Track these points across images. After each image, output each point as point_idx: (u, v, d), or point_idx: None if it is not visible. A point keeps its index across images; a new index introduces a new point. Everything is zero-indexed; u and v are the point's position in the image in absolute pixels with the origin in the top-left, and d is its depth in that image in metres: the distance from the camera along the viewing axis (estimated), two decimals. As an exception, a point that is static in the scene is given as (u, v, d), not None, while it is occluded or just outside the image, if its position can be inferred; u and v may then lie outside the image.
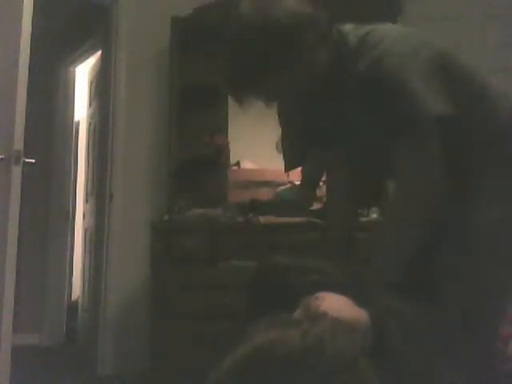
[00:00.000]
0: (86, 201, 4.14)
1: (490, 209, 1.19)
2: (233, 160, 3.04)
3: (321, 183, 2.67)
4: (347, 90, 1.23)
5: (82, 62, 4.20)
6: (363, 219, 2.38)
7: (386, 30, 1.26)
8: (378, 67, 1.15)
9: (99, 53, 3.79)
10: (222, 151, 2.96)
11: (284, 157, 1.64)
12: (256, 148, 3.06)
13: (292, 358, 0.71)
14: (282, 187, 2.84)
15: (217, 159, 2.96)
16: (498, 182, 1.21)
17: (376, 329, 0.91)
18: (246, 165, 3.08)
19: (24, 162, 2.19)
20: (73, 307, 4.19)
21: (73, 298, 4.47)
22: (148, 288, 2.69)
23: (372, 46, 1.17)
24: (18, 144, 2.17)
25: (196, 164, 2.94)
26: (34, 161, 2.28)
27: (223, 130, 2.98)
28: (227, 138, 2.99)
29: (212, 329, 2.37)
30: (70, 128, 4.18)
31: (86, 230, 4.09)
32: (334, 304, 0.93)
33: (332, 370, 0.70)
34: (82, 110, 4.38)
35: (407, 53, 1.17)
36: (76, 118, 4.34)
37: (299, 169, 2.66)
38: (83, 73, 4.31)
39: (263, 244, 2.43)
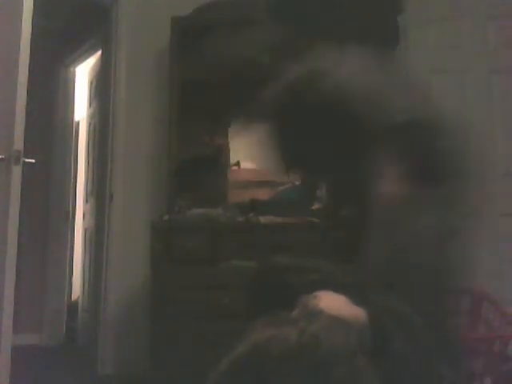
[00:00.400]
0: (86, 201, 4.14)
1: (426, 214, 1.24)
2: (233, 160, 3.04)
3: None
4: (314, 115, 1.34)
5: (81, 62, 4.20)
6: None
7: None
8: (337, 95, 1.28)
9: (99, 53, 3.79)
10: (222, 151, 2.96)
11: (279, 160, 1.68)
12: (256, 148, 3.06)
13: (288, 356, 0.71)
14: (282, 187, 2.84)
15: (217, 159, 2.96)
16: (435, 188, 1.27)
17: (375, 328, 0.91)
18: (246, 165, 3.09)
19: (24, 161, 2.20)
20: (73, 307, 4.19)
21: (73, 298, 4.47)
22: (148, 288, 2.68)
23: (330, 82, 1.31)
24: (18, 144, 2.17)
25: (196, 164, 2.94)
26: (33, 161, 2.28)
27: (223, 129, 2.98)
28: (227, 138, 2.99)
29: (212, 329, 2.37)
30: (70, 128, 4.18)
31: (85, 230, 4.09)
32: (332, 303, 0.93)
33: (328, 366, 0.70)
34: (82, 110, 4.38)
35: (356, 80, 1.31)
36: (76, 118, 4.34)
37: (299, 169, 2.68)
38: (83, 73, 4.31)
39: (263, 244, 2.43)
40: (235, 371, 0.73)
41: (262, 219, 2.52)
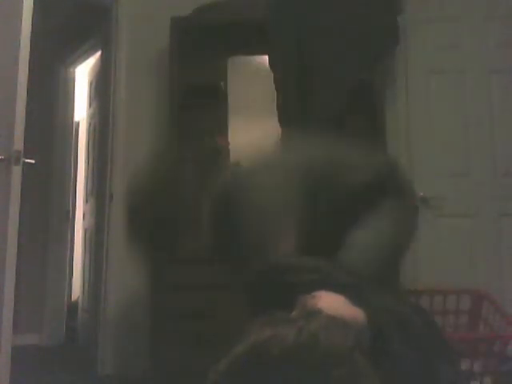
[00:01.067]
0: (86, 201, 4.14)
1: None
2: (233, 160, 3.04)
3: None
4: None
5: (81, 62, 4.20)
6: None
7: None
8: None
9: (99, 53, 3.79)
10: (222, 151, 2.96)
11: None
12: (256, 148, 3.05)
13: (287, 355, 0.71)
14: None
15: (217, 159, 2.96)
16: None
17: (374, 328, 0.91)
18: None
19: (24, 162, 2.20)
20: (73, 307, 4.19)
21: (73, 298, 4.47)
22: (148, 288, 2.68)
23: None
24: (18, 144, 2.17)
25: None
26: (33, 161, 2.28)
27: (223, 130, 2.98)
28: (227, 137, 2.99)
29: (212, 329, 2.37)
30: (70, 128, 4.18)
31: (86, 230, 4.09)
32: (331, 303, 0.94)
33: (326, 366, 0.70)
34: (82, 110, 4.38)
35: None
36: (76, 118, 4.34)
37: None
38: (83, 73, 4.31)
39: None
40: (234, 371, 0.73)
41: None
